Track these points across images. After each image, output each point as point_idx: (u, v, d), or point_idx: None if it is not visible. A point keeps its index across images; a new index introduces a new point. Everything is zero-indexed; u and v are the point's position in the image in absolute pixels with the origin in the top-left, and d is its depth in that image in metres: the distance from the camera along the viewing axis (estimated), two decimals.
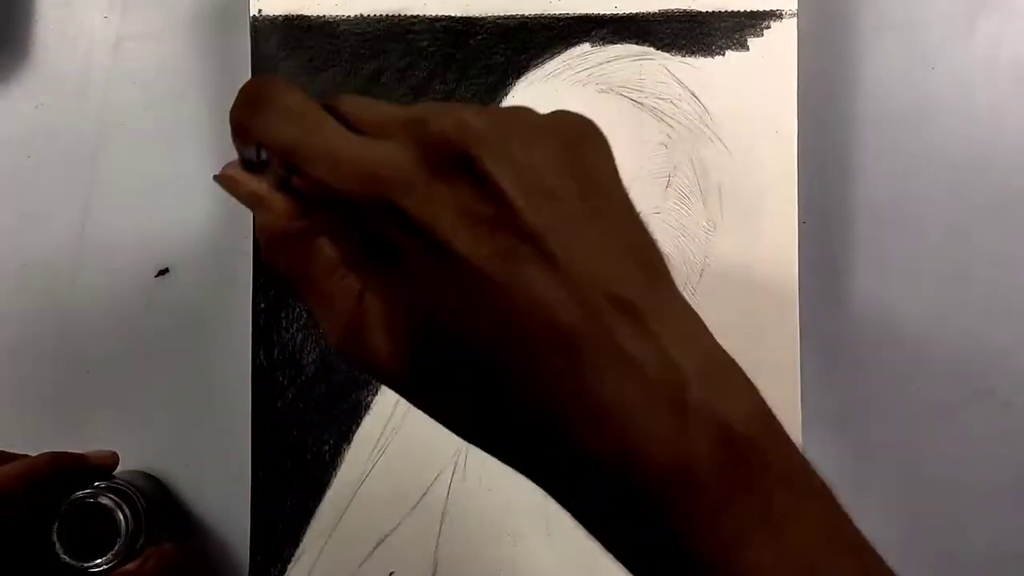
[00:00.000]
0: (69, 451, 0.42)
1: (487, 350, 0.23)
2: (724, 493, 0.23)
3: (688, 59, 0.46)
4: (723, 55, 0.46)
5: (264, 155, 0.26)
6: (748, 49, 0.46)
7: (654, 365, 0.23)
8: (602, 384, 0.23)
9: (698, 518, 0.23)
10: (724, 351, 0.26)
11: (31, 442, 0.48)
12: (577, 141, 0.25)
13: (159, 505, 0.45)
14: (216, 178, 0.28)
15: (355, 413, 0.45)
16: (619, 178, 0.25)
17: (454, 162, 0.23)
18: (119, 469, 0.44)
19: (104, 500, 0.41)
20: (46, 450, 0.47)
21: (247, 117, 0.26)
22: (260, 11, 0.45)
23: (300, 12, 0.45)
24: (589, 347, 0.23)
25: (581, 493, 0.26)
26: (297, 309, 0.45)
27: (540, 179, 0.23)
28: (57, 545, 0.40)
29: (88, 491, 0.41)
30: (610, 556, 0.27)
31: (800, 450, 0.27)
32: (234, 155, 0.27)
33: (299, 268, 0.27)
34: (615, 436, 0.23)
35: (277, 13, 0.45)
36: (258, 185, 0.27)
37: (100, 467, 0.43)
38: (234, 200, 0.27)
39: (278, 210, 0.26)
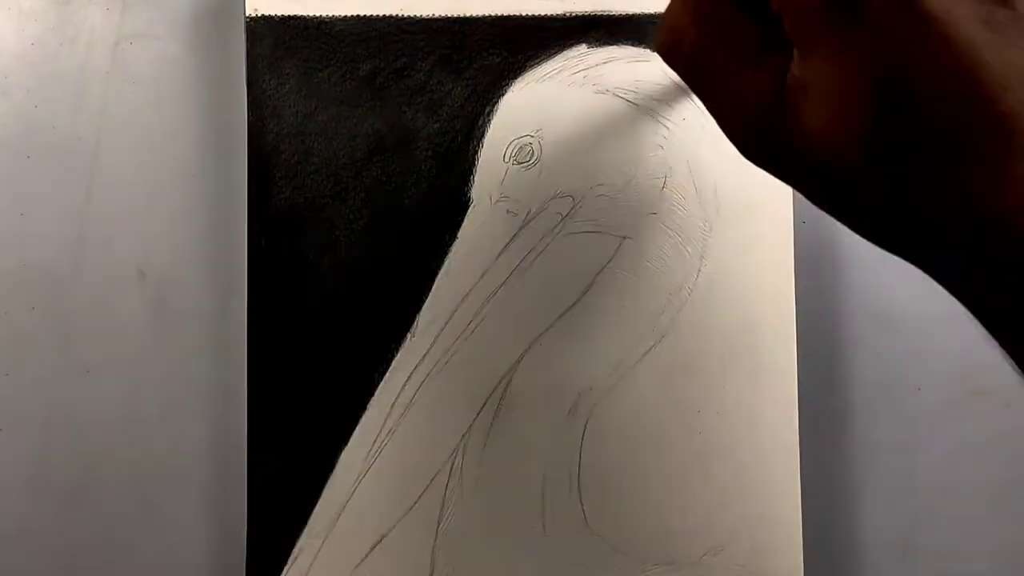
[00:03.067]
0: None
1: (950, 124, 0.23)
2: None
3: None
4: None
5: None
6: None
7: None
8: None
9: None
10: None
11: (31, 441, 0.48)
12: None
13: None
14: None
15: (352, 413, 0.45)
16: None
17: None
18: None
19: None
20: (45, 454, 0.48)
21: None
22: (255, 11, 0.45)
23: (295, 12, 0.45)
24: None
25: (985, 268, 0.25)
26: (291, 310, 0.45)
27: None
28: None
29: None
30: None
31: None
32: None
33: (706, 56, 0.27)
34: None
35: (272, 13, 0.45)
36: None
37: None
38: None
39: None
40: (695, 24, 0.28)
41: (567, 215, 0.46)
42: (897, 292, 0.51)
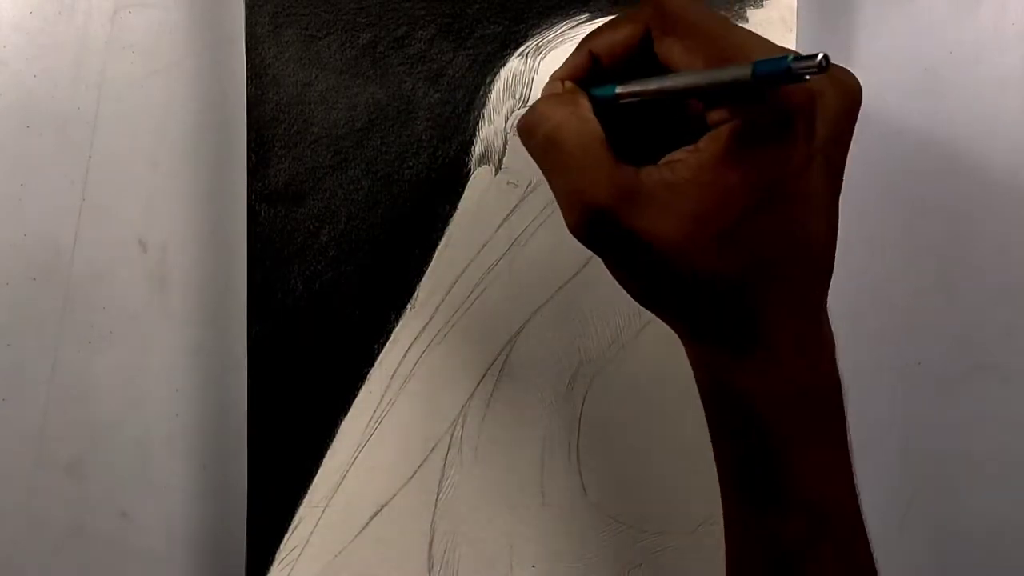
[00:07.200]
0: None
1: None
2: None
3: None
4: None
5: None
6: (747, 20, 0.45)
7: None
8: None
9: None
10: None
11: (33, 412, 0.48)
12: None
13: None
14: None
15: (352, 384, 0.45)
16: None
17: None
18: None
19: None
20: (47, 425, 0.48)
21: None
22: None
23: None
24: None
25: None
26: (291, 280, 0.45)
27: None
28: None
29: None
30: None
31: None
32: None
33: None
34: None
35: None
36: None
37: None
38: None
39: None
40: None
41: None
42: (899, 268, 0.51)
